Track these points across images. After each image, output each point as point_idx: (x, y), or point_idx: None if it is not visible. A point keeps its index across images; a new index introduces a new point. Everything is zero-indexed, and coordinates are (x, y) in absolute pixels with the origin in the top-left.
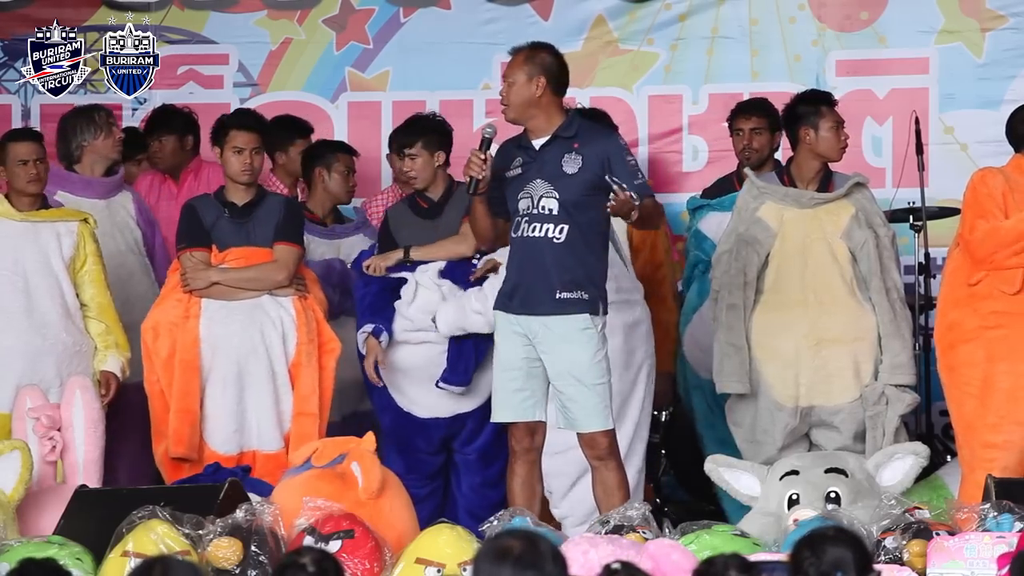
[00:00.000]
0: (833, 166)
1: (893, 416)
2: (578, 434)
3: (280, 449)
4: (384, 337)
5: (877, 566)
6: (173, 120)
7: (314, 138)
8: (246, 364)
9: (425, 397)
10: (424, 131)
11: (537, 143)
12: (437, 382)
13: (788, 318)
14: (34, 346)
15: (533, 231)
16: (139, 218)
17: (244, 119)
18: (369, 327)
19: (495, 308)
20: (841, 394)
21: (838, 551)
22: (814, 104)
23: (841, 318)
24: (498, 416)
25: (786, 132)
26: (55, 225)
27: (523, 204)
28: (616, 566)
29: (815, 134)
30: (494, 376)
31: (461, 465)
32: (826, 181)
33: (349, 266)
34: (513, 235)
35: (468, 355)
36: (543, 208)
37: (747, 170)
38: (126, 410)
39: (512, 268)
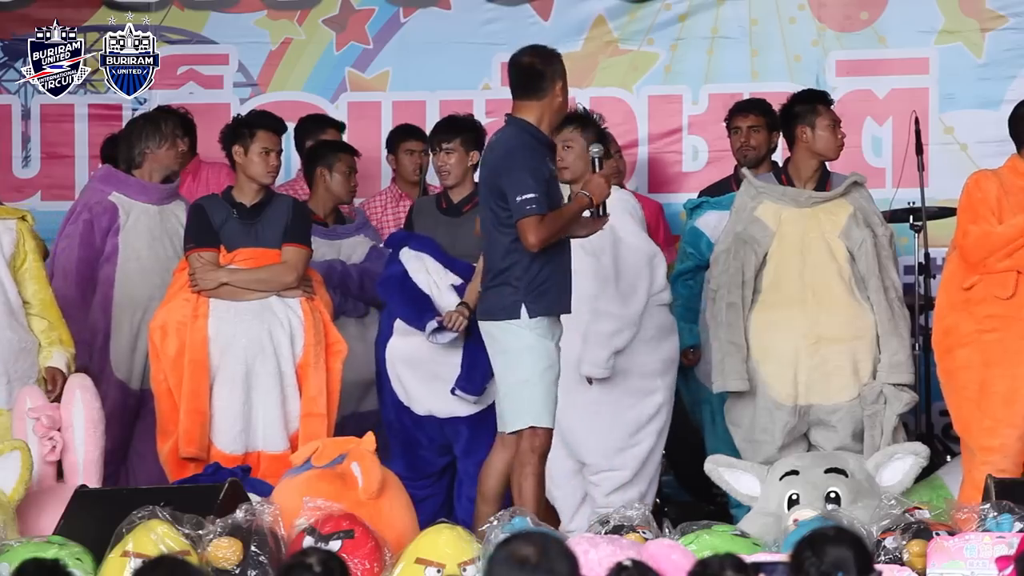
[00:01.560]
0: (832, 166)
1: (891, 415)
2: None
3: (285, 450)
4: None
5: (877, 566)
6: None
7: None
8: (254, 364)
9: (424, 394)
10: (464, 130)
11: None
12: (453, 389)
13: (786, 317)
14: None
15: None
16: None
17: (271, 121)
18: (434, 323)
19: (537, 315)
20: (839, 393)
21: (839, 551)
22: (810, 103)
23: (839, 317)
24: (551, 421)
25: (783, 132)
26: None
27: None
28: (627, 563)
29: (812, 133)
30: (543, 382)
31: (463, 475)
32: (824, 180)
33: (382, 244)
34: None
35: (484, 366)
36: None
37: (744, 170)
38: (151, 412)
39: (559, 268)
